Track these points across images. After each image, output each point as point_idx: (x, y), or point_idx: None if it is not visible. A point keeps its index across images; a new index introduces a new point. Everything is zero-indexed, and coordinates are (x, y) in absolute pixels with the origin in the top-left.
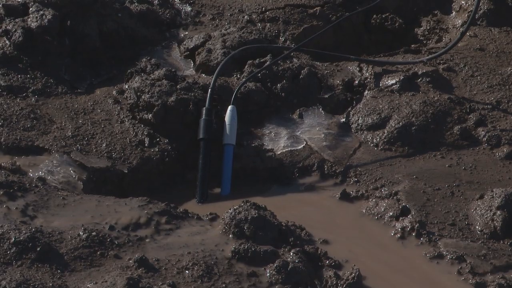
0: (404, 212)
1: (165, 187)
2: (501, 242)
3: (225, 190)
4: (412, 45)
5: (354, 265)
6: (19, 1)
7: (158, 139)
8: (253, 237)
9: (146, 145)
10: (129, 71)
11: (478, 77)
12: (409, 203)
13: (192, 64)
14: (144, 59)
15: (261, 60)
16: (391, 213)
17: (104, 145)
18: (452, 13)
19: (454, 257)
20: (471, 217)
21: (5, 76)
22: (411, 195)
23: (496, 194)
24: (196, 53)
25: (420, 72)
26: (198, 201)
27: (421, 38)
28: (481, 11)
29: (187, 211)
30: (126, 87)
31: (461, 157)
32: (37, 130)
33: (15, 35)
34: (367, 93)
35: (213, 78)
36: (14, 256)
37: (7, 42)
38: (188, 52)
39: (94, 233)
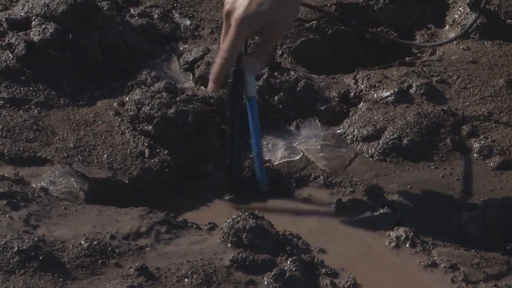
0: (399, 221)
1: (165, 197)
2: (494, 251)
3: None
4: (407, 58)
5: (350, 274)
6: (22, 15)
7: (158, 150)
8: (251, 246)
9: (146, 156)
10: (129, 83)
11: (471, 89)
12: (404, 213)
13: (192, 77)
14: (145, 72)
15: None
16: (386, 223)
17: (105, 156)
18: (445, 26)
19: (447, 266)
20: (464, 226)
21: (8, 89)
22: (406, 205)
23: (488, 204)
24: (195, 66)
25: (414, 85)
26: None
27: (415, 51)
28: (474, 25)
29: (187, 221)
30: (127, 99)
31: (454, 167)
32: (39, 141)
33: (18, 48)
34: (362, 105)
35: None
36: (17, 264)
37: (10, 55)
38: (188, 65)
39: (95, 242)
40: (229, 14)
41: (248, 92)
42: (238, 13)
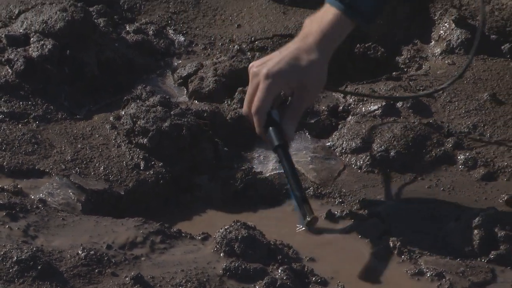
0: (386, 231)
1: (160, 208)
2: (478, 259)
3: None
4: (394, 73)
5: (339, 282)
6: (21, 32)
7: (153, 163)
8: (243, 255)
9: (141, 168)
10: (125, 98)
11: (456, 102)
12: (391, 223)
13: (185, 91)
14: (140, 87)
15: None
16: (374, 232)
17: (101, 168)
18: (431, 42)
19: (434, 274)
20: (450, 236)
21: (7, 103)
22: (393, 215)
23: (473, 214)
24: (189, 80)
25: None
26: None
27: (402, 66)
28: (459, 40)
29: (181, 231)
30: (123, 113)
31: (439, 178)
32: (38, 154)
33: (17, 64)
34: (350, 119)
35: None
36: (16, 274)
37: (9, 70)
38: (182, 80)
39: (92, 252)
40: (257, 72)
41: (274, 142)
42: (267, 69)
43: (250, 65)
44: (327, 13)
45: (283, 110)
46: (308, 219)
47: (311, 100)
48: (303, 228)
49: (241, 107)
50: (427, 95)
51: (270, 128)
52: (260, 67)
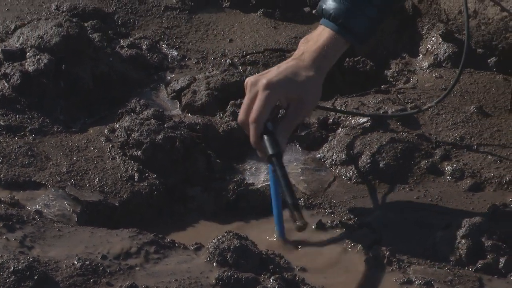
0: (376, 241)
1: (153, 219)
2: (466, 268)
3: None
4: (382, 86)
5: None
6: (17, 47)
7: (147, 174)
8: (235, 265)
9: (135, 180)
10: (119, 111)
11: (444, 115)
12: (381, 233)
13: (178, 105)
14: (134, 100)
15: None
16: (363, 242)
17: (96, 180)
18: (419, 56)
19: (422, 283)
20: (438, 245)
21: (4, 116)
22: (382, 225)
23: (460, 224)
24: (182, 94)
25: (389, 111)
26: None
27: (391, 79)
28: (446, 54)
29: (174, 241)
30: (117, 126)
31: (428, 189)
32: (34, 167)
33: (13, 78)
34: (340, 131)
35: None
36: (13, 284)
37: (6, 84)
38: (175, 93)
39: (87, 262)
40: (255, 82)
41: (268, 150)
42: (266, 79)
43: (247, 79)
44: (322, 33)
45: (278, 122)
46: (298, 224)
47: (306, 114)
48: (279, 238)
49: (233, 120)
50: (413, 114)
51: (265, 137)
52: (259, 78)
